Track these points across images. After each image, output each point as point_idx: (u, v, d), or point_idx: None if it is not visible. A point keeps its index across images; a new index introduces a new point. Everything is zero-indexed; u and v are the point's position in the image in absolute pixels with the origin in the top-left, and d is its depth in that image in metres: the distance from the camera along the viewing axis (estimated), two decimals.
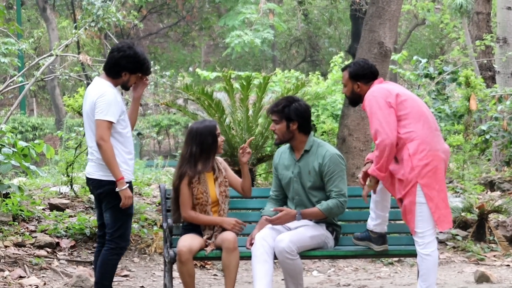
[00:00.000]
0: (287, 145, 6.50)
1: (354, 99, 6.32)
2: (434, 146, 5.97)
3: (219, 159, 6.52)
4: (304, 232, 6.23)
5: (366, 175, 6.08)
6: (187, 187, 6.31)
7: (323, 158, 6.28)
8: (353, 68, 6.25)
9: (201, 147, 6.33)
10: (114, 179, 5.90)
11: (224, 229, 6.33)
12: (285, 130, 6.34)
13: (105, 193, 5.98)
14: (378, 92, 6.04)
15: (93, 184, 6.06)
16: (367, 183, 6.08)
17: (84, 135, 9.94)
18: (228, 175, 6.50)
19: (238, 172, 9.73)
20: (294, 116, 6.31)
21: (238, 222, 6.34)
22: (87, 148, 10.28)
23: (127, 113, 6.10)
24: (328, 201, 6.25)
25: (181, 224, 6.44)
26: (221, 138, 6.40)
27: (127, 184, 5.93)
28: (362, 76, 6.21)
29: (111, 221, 6.00)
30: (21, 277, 7.60)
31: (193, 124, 6.52)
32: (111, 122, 5.86)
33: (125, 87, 6.15)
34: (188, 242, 6.18)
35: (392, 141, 5.89)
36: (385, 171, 5.95)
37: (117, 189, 5.88)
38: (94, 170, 6.01)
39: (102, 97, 5.89)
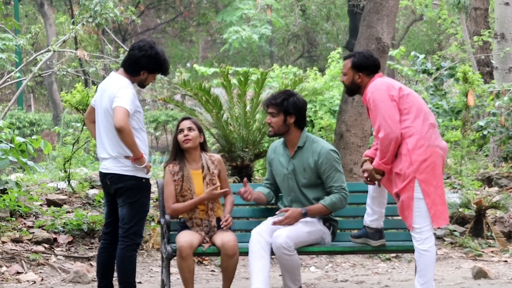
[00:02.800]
0: (281, 140, 6.47)
1: (352, 89, 6.25)
2: (433, 142, 5.95)
3: (217, 159, 6.47)
4: (302, 227, 6.22)
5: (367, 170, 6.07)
6: (171, 182, 6.31)
7: (318, 155, 6.25)
8: (358, 58, 6.16)
9: (174, 141, 6.43)
10: (136, 175, 5.92)
11: (219, 228, 6.30)
12: (282, 123, 6.30)
13: (126, 188, 5.93)
14: (381, 85, 6.00)
15: (111, 179, 5.98)
16: (375, 175, 6.05)
17: (82, 130, 9.96)
18: (220, 177, 6.43)
19: (235, 168, 9.79)
20: (292, 110, 6.28)
21: (214, 188, 6.22)
22: (84, 144, 10.40)
23: (142, 114, 6.10)
24: (331, 196, 6.23)
25: (178, 220, 6.43)
26: (183, 134, 6.32)
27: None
28: (365, 67, 6.13)
29: (128, 217, 5.96)
30: (18, 273, 7.60)
31: None
32: (128, 113, 5.81)
33: (141, 85, 6.15)
34: (189, 237, 6.17)
35: (397, 135, 5.88)
36: (390, 163, 5.95)
37: (141, 166, 5.90)
38: (113, 165, 5.95)
39: (125, 88, 5.88)
